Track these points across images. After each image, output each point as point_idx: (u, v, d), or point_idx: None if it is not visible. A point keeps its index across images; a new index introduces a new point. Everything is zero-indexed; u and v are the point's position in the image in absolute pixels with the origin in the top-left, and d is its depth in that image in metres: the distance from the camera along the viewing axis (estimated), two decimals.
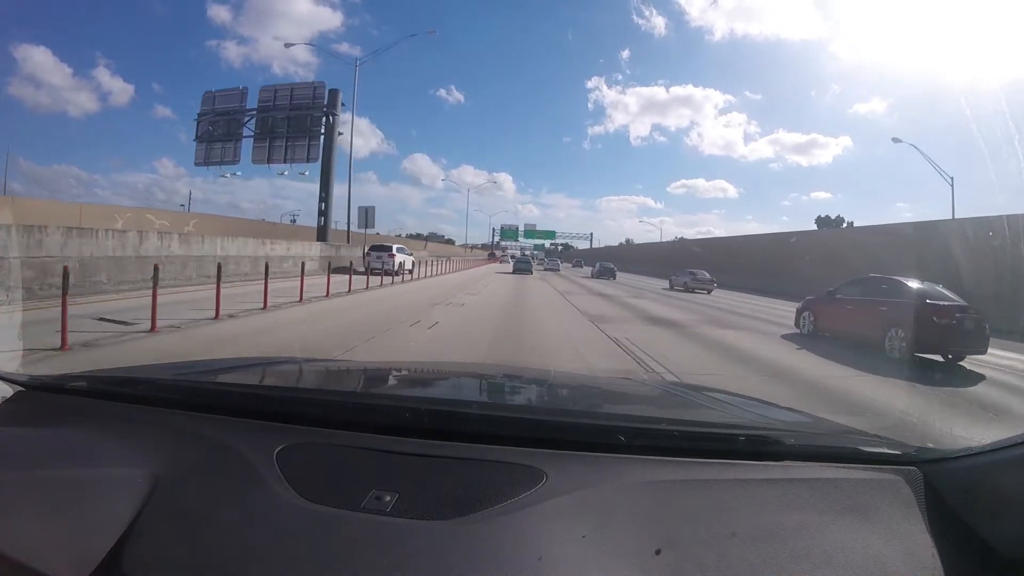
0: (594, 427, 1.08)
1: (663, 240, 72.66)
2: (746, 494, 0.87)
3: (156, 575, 0.70)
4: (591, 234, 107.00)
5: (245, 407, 1.10)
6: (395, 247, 25.29)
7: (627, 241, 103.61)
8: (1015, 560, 0.76)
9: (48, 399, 1.18)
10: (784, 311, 14.52)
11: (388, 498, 0.80)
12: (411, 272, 25.07)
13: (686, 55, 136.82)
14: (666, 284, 28.26)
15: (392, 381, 1.85)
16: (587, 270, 50.77)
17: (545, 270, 52.70)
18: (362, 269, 20.99)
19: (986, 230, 14.92)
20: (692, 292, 24.34)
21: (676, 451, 0.96)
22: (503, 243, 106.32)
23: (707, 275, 25.72)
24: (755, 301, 20.18)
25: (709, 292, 24.51)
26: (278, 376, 1.73)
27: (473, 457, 0.91)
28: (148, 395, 1.15)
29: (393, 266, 22.20)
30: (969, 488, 0.87)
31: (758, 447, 1.00)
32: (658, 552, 0.71)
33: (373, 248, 24.30)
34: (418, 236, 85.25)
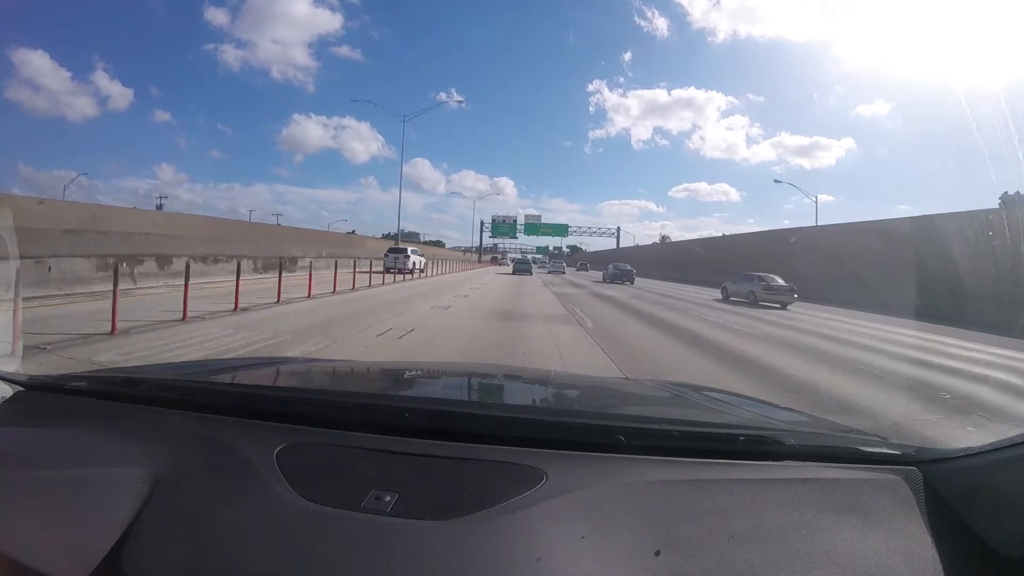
0: (594, 427, 1.08)
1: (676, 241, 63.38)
2: (746, 494, 0.87)
3: (156, 575, 0.70)
4: (618, 229, 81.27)
5: (245, 407, 1.10)
6: (409, 249, 30.10)
7: (663, 239, 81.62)
8: (1015, 560, 0.75)
9: (48, 399, 1.18)
10: (913, 339, 10.34)
11: (388, 498, 0.80)
12: (423, 271, 29.12)
13: (688, 57, 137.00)
14: (713, 294, 21.61)
15: (392, 381, 1.85)
16: (596, 274, 43.21)
17: (548, 273, 47.45)
18: None
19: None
20: (757, 306, 17.29)
21: (676, 451, 0.96)
22: (497, 243, 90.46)
23: (781, 281, 18.47)
24: (842, 317, 14.37)
25: (784, 306, 17.51)
26: (278, 376, 1.73)
27: (473, 457, 0.91)
28: (148, 395, 1.15)
29: (408, 266, 26.12)
30: (969, 488, 0.87)
31: (758, 447, 1.00)
32: (658, 553, 0.71)
33: (391, 250, 28.74)
34: (388, 236, 73.82)
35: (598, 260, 70.34)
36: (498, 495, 0.80)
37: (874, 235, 20.90)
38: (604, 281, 31.03)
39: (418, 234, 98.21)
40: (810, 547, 0.75)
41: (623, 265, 32.53)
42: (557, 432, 1.01)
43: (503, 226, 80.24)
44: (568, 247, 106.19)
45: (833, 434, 1.22)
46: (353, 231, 66.95)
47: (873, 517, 0.82)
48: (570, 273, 48.40)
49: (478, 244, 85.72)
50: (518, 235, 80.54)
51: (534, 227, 78.64)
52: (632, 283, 29.06)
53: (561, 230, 79.84)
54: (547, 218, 78.56)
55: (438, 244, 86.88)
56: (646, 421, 1.21)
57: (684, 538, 0.75)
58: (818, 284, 21.84)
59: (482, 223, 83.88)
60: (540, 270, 53.78)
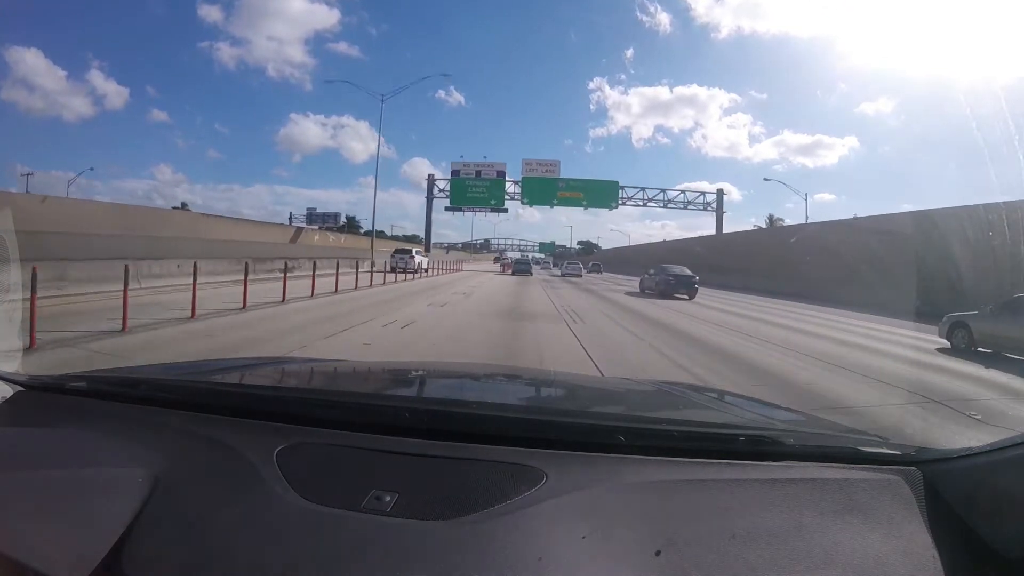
0: (594, 427, 1.08)
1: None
2: (746, 494, 0.87)
3: (156, 575, 0.70)
4: (718, 193, 44.89)
5: (245, 407, 1.10)
6: (414, 250, 30.92)
7: (772, 220, 54.41)
8: (1015, 560, 0.75)
9: (48, 399, 1.18)
10: None
11: (388, 498, 0.80)
12: (427, 271, 29.08)
13: (691, 54, 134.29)
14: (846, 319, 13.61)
15: (392, 381, 1.85)
16: (616, 279, 31.57)
17: (562, 276, 35.04)
18: None
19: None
20: None
21: (676, 451, 0.96)
22: (493, 240, 74.13)
23: None
24: None
25: None
26: (278, 376, 1.73)
27: (473, 457, 0.91)
28: (148, 395, 1.16)
29: (413, 266, 26.82)
30: (969, 488, 0.87)
31: (758, 447, 1.00)
32: (658, 553, 0.71)
33: (397, 251, 29.15)
34: (328, 226, 53.78)
35: (612, 261, 55.73)
36: (498, 495, 0.80)
37: (877, 233, 19.35)
38: (642, 293, 20.36)
39: (354, 218, 70.94)
40: (810, 547, 0.75)
41: (676, 269, 20.01)
42: (557, 432, 1.01)
43: (476, 185, 40.28)
44: (579, 243, 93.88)
45: (833, 434, 1.22)
46: (183, 204, 42.47)
47: (873, 517, 0.82)
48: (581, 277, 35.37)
49: (467, 238, 61.05)
50: (507, 202, 42.43)
51: (544, 187, 39.95)
52: (692, 297, 18.62)
53: (604, 193, 40.20)
54: (547, 216, 46.05)
55: (412, 239, 62.17)
56: (646, 421, 1.21)
57: (684, 538, 0.75)
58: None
59: (431, 180, 44.41)
60: (543, 272, 44.02)
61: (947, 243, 15.57)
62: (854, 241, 20.62)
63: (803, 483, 0.91)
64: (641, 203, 44.57)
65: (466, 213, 44.77)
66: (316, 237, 34.97)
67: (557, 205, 43.94)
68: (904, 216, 20.56)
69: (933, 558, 0.76)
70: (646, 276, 21.90)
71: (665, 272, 20.21)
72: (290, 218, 62.32)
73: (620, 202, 43.15)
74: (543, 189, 41.86)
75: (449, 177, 42.87)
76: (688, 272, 19.95)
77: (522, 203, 43.74)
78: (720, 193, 45.33)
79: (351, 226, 66.66)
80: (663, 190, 44.63)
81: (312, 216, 61.35)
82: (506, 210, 44.10)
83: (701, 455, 0.96)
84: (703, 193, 45.55)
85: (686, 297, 18.91)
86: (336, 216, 61.77)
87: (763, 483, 0.90)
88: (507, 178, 42.37)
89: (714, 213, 44.42)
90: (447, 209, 43.76)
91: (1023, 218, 12.80)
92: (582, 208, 44.39)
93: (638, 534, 0.75)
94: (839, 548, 0.75)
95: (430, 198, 45.50)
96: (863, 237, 20.35)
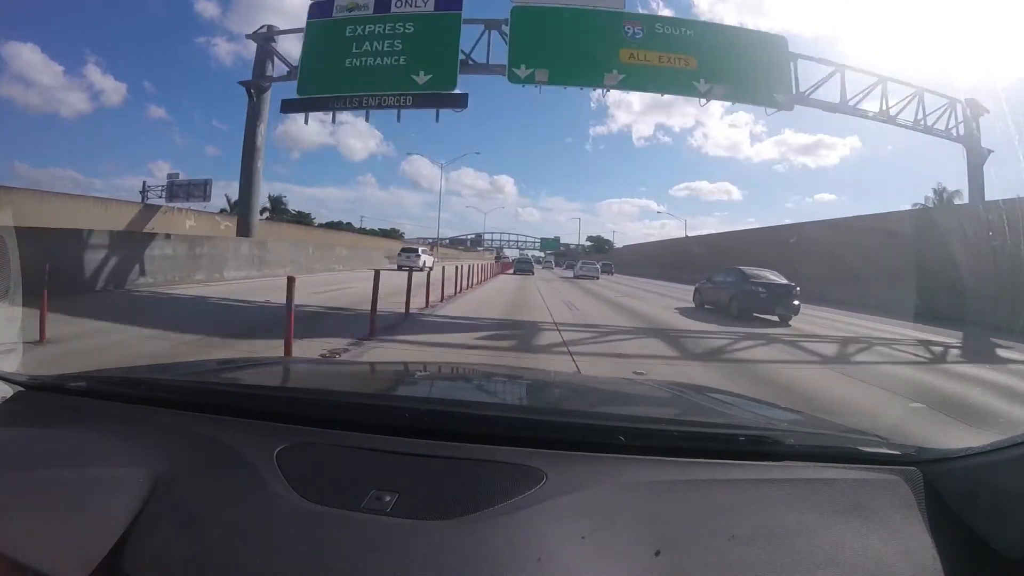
0: (594, 427, 1.08)
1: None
2: (746, 494, 0.87)
3: (156, 575, 0.70)
4: (971, 107, 15.34)
5: (245, 407, 1.10)
6: (420, 249, 33.08)
7: (942, 196, 36.16)
8: (1015, 560, 0.76)
9: (48, 399, 1.18)
10: None
11: (388, 498, 0.80)
12: (431, 269, 28.88)
13: None
14: None
15: (392, 381, 1.85)
16: (640, 282, 26.30)
17: (575, 276, 31.57)
18: None
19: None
20: None
21: (676, 451, 0.96)
22: (486, 235, 65.75)
23: None
24: None
25: None
26: (278, 376, 1.73)
27: (473, 457, 0.91)
28: (148, 395, 1.16)
29: (419, 264, 28.36)
30: (969, 488, 0.87)
31: (758, 447, 1.00)
32: (658, 553, 0.71)
33: (404, 250, 30.94)
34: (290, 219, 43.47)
35: (619, 262, 50.11)
36: (498, 495, 0.81)
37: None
38: (699, 308, 14.03)
39: (280, 199, 53.13)
40: (810, 547, 0.76)
41: (757, 273, 12.62)
42: (557, 432, 1.01)
43: (375, 36, 12.70)
44: (589, 240, 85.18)
45: (833, 434, 1.22)
46: None
47: (873, 517, 0.83)
48: (593, 280, 30.55)
49: (465, 233, 46.90)
50: (471, 79, 17.12)
51: (582, 34, 12.04)
52: (787, 319, 11.67)
53: (752, 67, 12.81)
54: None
55: (392, 234, 55.12)
56: (646, 421, 1.21)
57: (684, 538, 0.75)
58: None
59: (264, 38, 15.55)
60: (545, 272, 39.07)
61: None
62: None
63: (803, 483, 0.91)
64: (831, 108, 16.47)
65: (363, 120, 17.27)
66: (190, 222, 21.49)
67: (620, 86, 13.88)
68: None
69: (933, 558, 0.76)
70: (707, 284, 14.24)
71: (746, 280, 12.39)
72: (143, 190, 37.84)
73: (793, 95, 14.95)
74: (579, 39, 13.38)
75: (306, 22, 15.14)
76: (782, 279, 12.42)
77: (509, 77, 13.58)
78: (974, 109, 17.47)
79: (276, 209, 49.62)
80: (880, 78, 17.46)
81: (175, 187, 36.11)
82: (458, 101, 14.15)
83: (701, 455, 0.96)
84: (954, 100, 17.72)
85: (776, 318, 11.71)
86: (204, 184, 35.19)
87: (763, 483, 0.90)
88: (464, 17, 14.45)
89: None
90: (286, 107, 16.33)
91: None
92: (699, 103, 14.65)
93: (638, 534, 0.75)
94: (839, 548, 0.76)
95: (254, 87, 17.03)
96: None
